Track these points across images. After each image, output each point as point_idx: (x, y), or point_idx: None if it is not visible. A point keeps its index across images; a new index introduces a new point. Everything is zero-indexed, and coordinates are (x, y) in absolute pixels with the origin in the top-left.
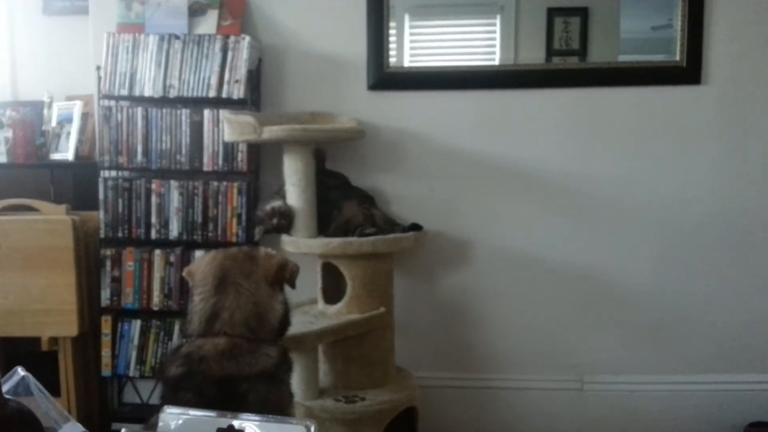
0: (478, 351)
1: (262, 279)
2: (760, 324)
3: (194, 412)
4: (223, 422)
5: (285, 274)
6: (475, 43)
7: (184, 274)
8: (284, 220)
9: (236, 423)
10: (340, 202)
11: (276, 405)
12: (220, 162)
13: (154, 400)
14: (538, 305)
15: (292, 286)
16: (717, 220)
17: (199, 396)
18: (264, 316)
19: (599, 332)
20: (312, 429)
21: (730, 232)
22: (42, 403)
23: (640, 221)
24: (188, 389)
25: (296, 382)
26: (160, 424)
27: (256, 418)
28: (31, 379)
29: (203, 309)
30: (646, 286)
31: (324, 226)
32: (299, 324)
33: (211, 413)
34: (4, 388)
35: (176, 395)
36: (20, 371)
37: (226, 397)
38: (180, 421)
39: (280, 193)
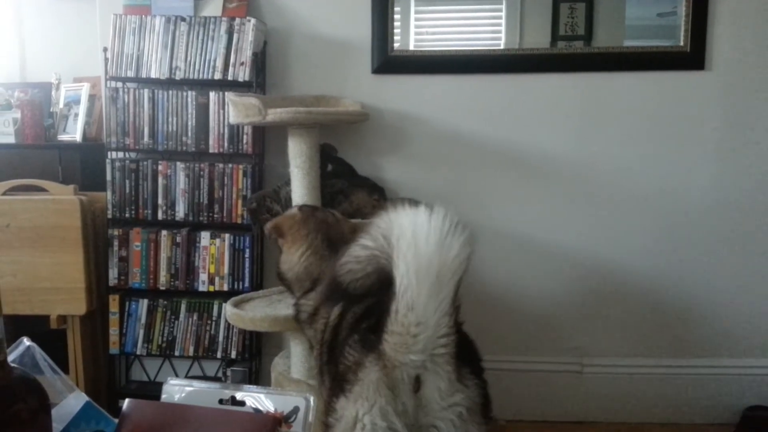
0: (480, 333)
1: None
2: (758, 309)
3: (198, 384)
4: (226, 393)
5: None
6: (480, 27)
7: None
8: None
9: (238, 394)
10: (348, 189)
11: None
12: (226, 144)
13: (162, 377)
14: (539, 289)
15: None
16: (718, 205)
17: None
18: None
19: (599, 316)
20: (311, 400)
21: (730, 218)
22: (48, 374)
23: (642, 206)
24: None
25: (300, 360)
26: (164, 395)
27: (257, 389)
28: (37, 350)
29: None
30: (647, 271)
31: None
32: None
33: (215, 384)
34: (10, 358)
35: None
36: (26, 341)
37: None
38: (183, 394)
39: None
